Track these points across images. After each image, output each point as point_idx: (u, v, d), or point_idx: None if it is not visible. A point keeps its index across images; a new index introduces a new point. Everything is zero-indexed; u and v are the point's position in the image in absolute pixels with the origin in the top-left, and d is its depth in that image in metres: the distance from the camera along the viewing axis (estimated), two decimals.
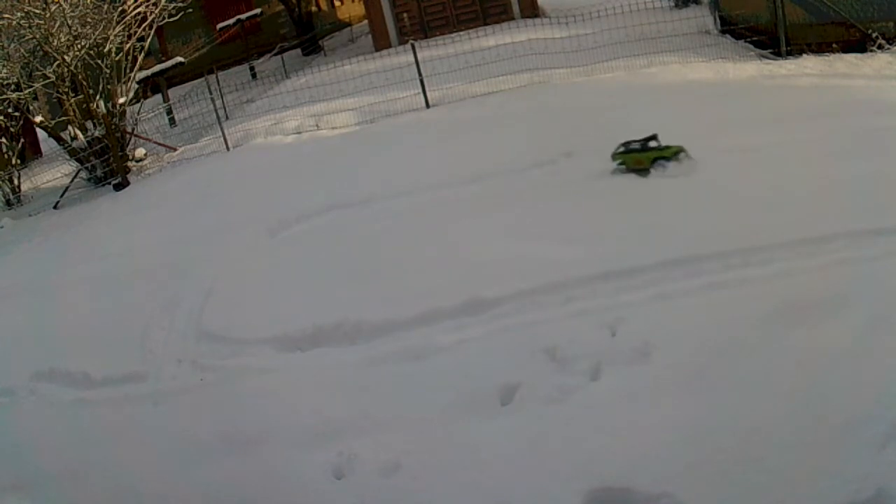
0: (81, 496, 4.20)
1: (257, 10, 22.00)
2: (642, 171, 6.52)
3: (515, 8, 17.80)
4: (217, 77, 13.81)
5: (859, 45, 9.60)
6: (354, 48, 19.76)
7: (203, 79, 13.59)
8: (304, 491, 3.75)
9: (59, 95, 12.50)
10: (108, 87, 12.45)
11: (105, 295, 6.83)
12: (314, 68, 13.61)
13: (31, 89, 12.96)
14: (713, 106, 8.13)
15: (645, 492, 3.21)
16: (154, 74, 16.03)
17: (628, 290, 4.72)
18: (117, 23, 12.49)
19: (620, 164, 6.67)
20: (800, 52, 9.99)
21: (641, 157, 6.51)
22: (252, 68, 18.75)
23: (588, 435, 3.60)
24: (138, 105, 13.37)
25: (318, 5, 24.51)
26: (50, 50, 11.88)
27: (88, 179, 12.34)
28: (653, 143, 6.51)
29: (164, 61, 17.62)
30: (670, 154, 6.40)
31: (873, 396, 3.39)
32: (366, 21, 20.11)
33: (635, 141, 6.59)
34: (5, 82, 12.56)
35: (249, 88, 15.70)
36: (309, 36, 21.53)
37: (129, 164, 12.30)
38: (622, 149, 6.66)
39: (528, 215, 6.19)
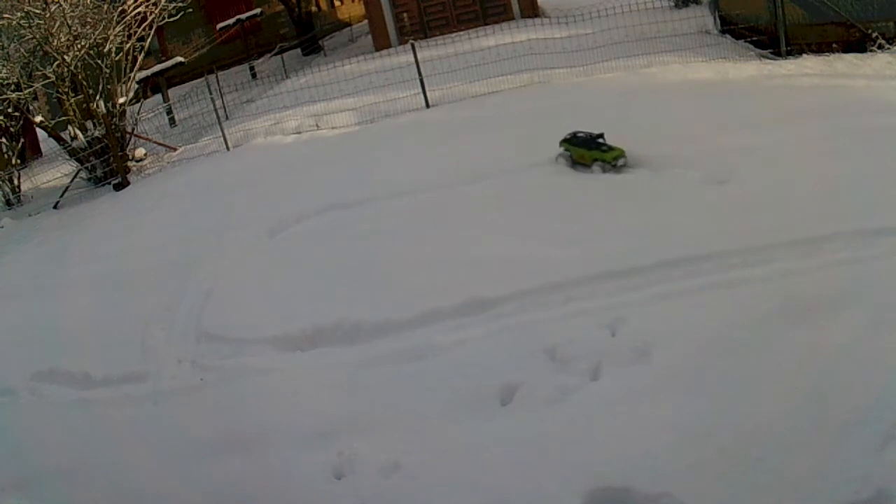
0: (81, 496, 4.20)
1: (257, 10, 21.98)
2: (584, 165, 6.80)
3: (515, 8, 17.79)
4: (217, 77, 13.80)
5: (859, 45, 9.60)
6: (354, 48, 19.76)
7: (203, 79, 13.59)
8: (304, 491, 3.75)
9: (59, 95, 12.49)
10: (108, 87, 12.44)
11: (105, 295, 6.82)
12: (314, 68, 13.61)
13: (31, 89, 12.96)
14: (713, 106, 8.13)
15: (645, 492, 3.21)
16: (154, 74, 16.02)
17: (628, 290, 4.72)
18: (117, 23, 12.48)
19: (566, 150, 6.97)
20: (800, 52, 9.98)
21: (584, 153, 6.78)
22: (252, 68, 18.74)
23: (588, 435, 3.61)
24: (138, 105, 13.36)
25: (318, 5, 24.50)
26: (50, 50, 11.87)
27: (88, 179, 12.33)
28: (600, 141, 6.75)
29: (164, 61, 17.61)
30: (610, 158, 6.61)
31: (873, 396, 3.39)
32: (366, 21, 20.11)
33: (584, 133, 6.86)
34: (5, 82, 12.55)
35: (249, 88, 15.69)
36: (309, 36, 21.52)
37: (129, 163, 12.30)
38: (569, 136, 6.95)
39: (528, 215, 6.19)
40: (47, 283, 7.73)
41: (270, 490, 3.82)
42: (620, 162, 6.60)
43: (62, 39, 11.81)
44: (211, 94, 12.30)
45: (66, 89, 12.16)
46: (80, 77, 12.09)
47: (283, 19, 23.18)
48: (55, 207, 11.61)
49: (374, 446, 3.89)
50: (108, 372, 5.42)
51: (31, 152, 16.13)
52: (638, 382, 3.88)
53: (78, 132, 12.18)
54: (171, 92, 17.24)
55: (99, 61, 12.37)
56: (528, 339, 4.45)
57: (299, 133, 11.19)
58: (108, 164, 11.85)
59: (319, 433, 4.10)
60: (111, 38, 12.35)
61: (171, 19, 13.93)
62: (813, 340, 3.87)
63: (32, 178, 13.46)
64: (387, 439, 3.93)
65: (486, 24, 16.92)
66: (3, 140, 13.26)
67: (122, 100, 12.50)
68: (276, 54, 20.22)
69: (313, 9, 23.34)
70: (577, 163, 6.90)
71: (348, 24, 25.48)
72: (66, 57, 11.83)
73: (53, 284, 7.60)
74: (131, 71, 12.98)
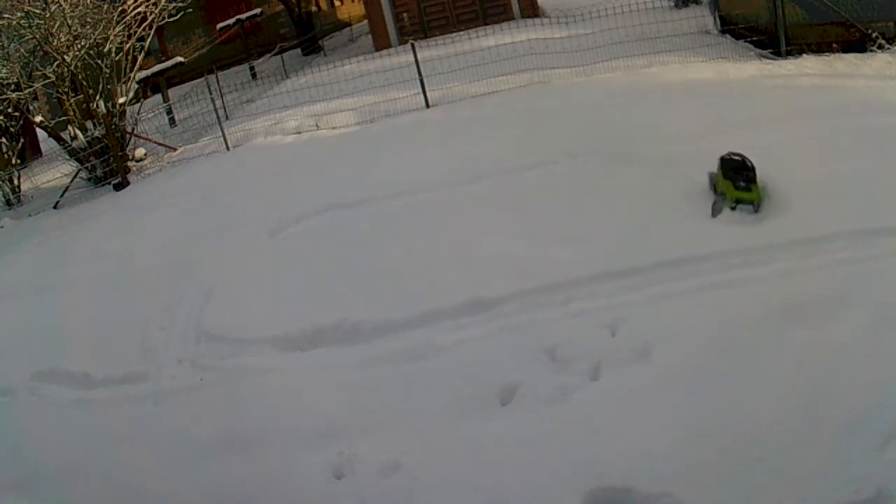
0: (81, 496, 4.20)
1: (257, 10, 21.97)
2: (721, 195, 5.66)
3: (515, 8, 17.80)
4: (217, 77, 13.79)
5: (859, 45, 9.60)
6: (354, 48, 19.76)
7: (203, 79, 13.58)
8: (304, 491, 3.75)
9: (59, 95, 12.49)
10: (108, 87, 12.44)
11: (105, 295, 6.82)
12: (314, 68, 13.61)
13: (31, 89, 12.96)
14: (713, 106, 8.12)
15: (645, 492, 3.21)
16: (154, 74, 16.02)
17: (628, 290, 4.73)
18: (117, 23, 12.48)
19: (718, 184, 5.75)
20: (800, 52, 9.98)
21: (727, 190, 5.58)
22: (252, 68, 18.74)
23: (588, 435, 3.61)
24: (138, 105, 13.36)
25: (318, 5, 24.51)
26: (50, 50, 11.87)
27: (88, 179, 12.32)
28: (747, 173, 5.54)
29: (164, 61, 17.61)
30: (754, 198, 5.48)
31: (873, 396, 3.39)
32: (366, 21, 20.11)
33: (738, 155, 5.68)
34: (5, 82, 12.55)
35: (249, 88, 15.69)
36: (309, 36, 21.53)
37: (129, 163, 12.29)
38: (720, 164, 5.74)
39: (529, 215, 6.19)
40: (47, 283, 7.73)
41: (270, 490, 3.83)
42: (758, 206, 5.45)
43: (62, 39, 11.81)
44: (211, 94, 12.29)
45: (66, 89, 12.15)
46: (80, 77, 12.08)
47: (283, 19, 23.19)
48: (55, 207, 11.60)
49: (374, 446, 3.89)
50: (108, 372, 5.42)
51: (31, 152, 16.12)
52: (638, 382, 3.88)
53: (78, 132, 12.17)
54: (171, 92, 17.24)
55: (99, 61, 12.37)
56: (528, 339, 4.45)
57: (299, 133, 11.19)
58: (108, 164, 11.84)
59: (319, 433, 4.11)
60: (111, 38, 12.34)
61: (171, 19, 13.94)
62: (813, 340, 3.87)
63: (32, 178, 13.45)
64: (387, 439, 3.93)
65: (486, 24, 16.91)
66: (3, 140, 13.26)
67: (122, 100, 12.50)
68: (276, 54, 20.21)
69: (313, 9, 23.36)
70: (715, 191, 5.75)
71: (348, 24, 25.49)
72: (66, 57, 11.83)
73: (53, 284, 7.60)
74: (131, 71, 12.98)
